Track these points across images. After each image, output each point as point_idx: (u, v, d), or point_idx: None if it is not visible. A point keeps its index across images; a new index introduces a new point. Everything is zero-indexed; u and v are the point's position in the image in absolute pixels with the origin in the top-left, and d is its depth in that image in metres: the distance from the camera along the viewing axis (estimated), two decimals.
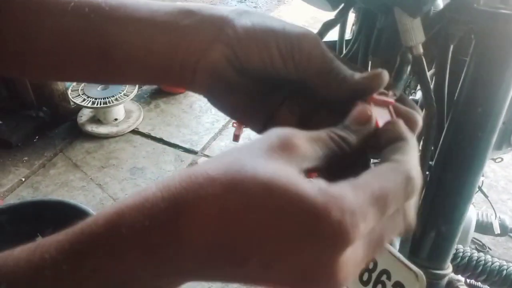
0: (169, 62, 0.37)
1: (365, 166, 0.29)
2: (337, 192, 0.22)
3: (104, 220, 0.24)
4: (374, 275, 0.50)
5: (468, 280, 1.11)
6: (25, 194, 2.09)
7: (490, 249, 2.04)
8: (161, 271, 0.24)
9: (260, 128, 0.38)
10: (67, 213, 1.73)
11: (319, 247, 0.22)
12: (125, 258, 0.23)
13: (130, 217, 0.23)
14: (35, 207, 1.80)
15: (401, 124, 0.29)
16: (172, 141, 2.47)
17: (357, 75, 0.32)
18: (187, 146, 2.44)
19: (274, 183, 0.22)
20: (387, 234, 0.25)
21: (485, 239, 2.05)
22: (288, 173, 0.23)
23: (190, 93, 2.89)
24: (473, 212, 1.22)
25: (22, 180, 2.16)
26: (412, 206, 0.27)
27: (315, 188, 0.22)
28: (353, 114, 0.29)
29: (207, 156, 2.39)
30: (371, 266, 0.51)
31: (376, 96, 0.31)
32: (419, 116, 0.32)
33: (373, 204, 0.23)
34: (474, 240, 2.06)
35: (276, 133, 0.25)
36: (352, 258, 0.23)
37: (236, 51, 0.34)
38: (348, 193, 0.22)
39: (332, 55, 0.32)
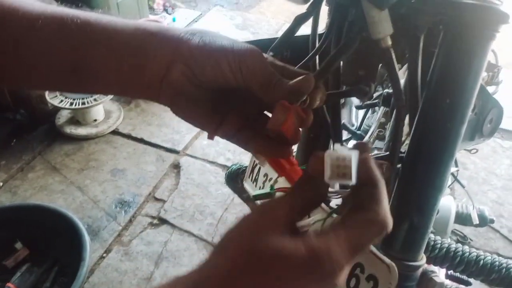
0: (137, 81, 0.42)
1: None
2: (324, 247, 0.31)
3: None
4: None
5: (449, 272, 1.12)
6: (3, 199, 2.05)
7: (472, 240, 2.07)
8: None
9: (214, 131, 0.45)
10: (46, 217, 1.70)
11: (322, 283, 0.31)
12: None
13: None
14: (14, 212, 1.77)
15: (374, 169, 0.35)
16: (153, 141, 2.44)
17: (290, 82, 0.40)
18: (168, 145, 2.42)
19: (279, 253, 0.31)
20: (369, 241, 0.33)
21: (467, 230, 2.08)
22: (284, 243, 0.31)
23: None
24: (453, 203, 1.23)
25: (0, 184, 2.12)
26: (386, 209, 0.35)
27: (305, 248, 0.31)
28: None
29: (189, 155, 2.37)
30: None
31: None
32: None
33: (352, 252, 0.31)
34: (456, 231, 2.09)
35: (262, 208, 0.35)
36: (342, 275, 0.32)
37: (193, 68, 0.40)
38: (332, 246, 0.31)
39: (271, 69, 0.40)
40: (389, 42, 0.48)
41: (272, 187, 0.53)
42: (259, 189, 0.76)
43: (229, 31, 3.67)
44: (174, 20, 3.65)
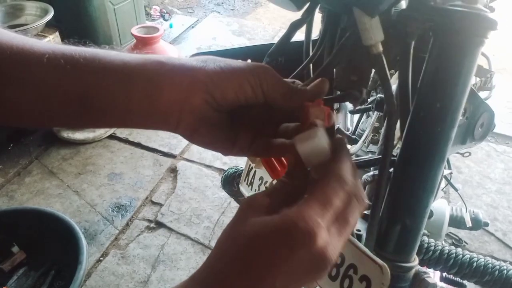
0: (151, 111, 0.42)
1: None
2: (293, 211, 0.33)
3: None
4: (341, 270, 0.51)
5: (443, 274, 1.13)
6: (0, 203, 2.05)
7: (467, 243, 2.09)
8: None
9: (231, 150, 0.47)
10: (43, 221, 1.71)
11: (304, 248, 0.32)
12: None
13: None
14: (11, 216, 1.77)
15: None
16: (150, 145, 2.45)
17: (308, 87, 0.44)
18: (165, 150, 2.43)
19: (256, 231, 0.33)
20: (350, 215, 0.35)
21: (461, 233, 2.10)
22: (259, 220, 0.34)
23: None
24: (447, 207, 1.24)
25: None
26: (358, 190, 0.37)
27: (278, 217, 0.33)
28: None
29: (186, 159, 2.38)
30: (339, 261, 0.52)
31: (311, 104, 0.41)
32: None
33: (321, 206, 0.34)
34: (451, 235, 2.10)
35: (242, 205, 0.37)
36: (326, 243, 0.33)
37: (213, 93, 0.41)
38: (301, 208, 0.33)
39: (284, 79, 0.43)
40: (380, 48, 0.49)
41: (266, 189, 0.55)
42: (255, 192, 0.77)
43: (225, 37, 3.69)
44: (171, 26, 3.66)
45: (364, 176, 0.65)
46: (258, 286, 0.32)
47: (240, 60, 0.44)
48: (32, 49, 0.40)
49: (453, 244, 2.05)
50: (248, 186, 0.79)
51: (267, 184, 0.73)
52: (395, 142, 0.64)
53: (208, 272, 0.33)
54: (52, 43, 0.42)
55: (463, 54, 0.48)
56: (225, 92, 0.41)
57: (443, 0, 0.50)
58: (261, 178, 0.76)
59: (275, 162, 0.51)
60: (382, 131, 1.01)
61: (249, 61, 0.73)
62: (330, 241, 0.33)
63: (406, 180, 0.52)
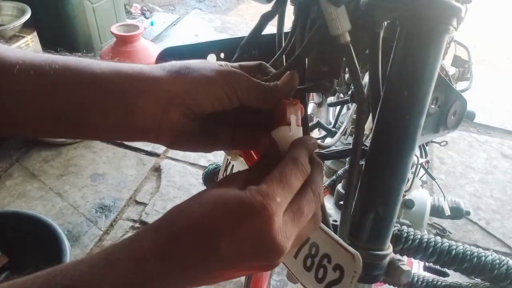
0: (128, 127, 0.42)
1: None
2: (254, 186, 0.35)
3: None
4: (316, 260, 0.51)
5: (426, 264, 1.14)
6: None
7: (451, 233, 2.12)
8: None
9: (211, 150, 0.48)
10: (24, 224, 1.68)
11: (255, 222, 0.33)
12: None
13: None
14: None
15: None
16: (133, 144, 2.43)
17: (278, 84, 0.45)
18: (148, 149, 2.41)
19: (219, 197, 0.35)
20: (307, 204, 0.37)
21: (445, 223, 2.13)
22: (227, 189, 0.36)
23: None
24: (428, 197, 1.26)
25: None
26: (314, 178, 0.40)
27: (243, 191, 0.35)
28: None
29: (170, 158, 2.36)
30: (313, 252, 0.52)
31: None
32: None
33: (279, 185, 0.36)
34: (435, 225, 2.13)
35: (222, 178, 0.40)
36: (283, 230, 0.34)
37: (190, 106, 0.42)
38: (261, 185, 0.35)
39: (257, 80, 0.45)
40: (348, 38, 0.49)
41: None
42: None
43: (208, 34, 3.68)
44: (152, 24, 3.63)
45: (339, 172, 0.66)
46: (200, 247, 0.33)
47: (212, 64, 0.44)
48: (3, 58, 0.39)
49: (437, 234, 2.08)
50: None
51: None
52: (367, 132, 0.64)
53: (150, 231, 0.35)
54: (23, 50, 0.41)
55: (429, 41, 0.48)
56: (202, 104, 0.42)
57: None
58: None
59: (253, 152, 0.52)
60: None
61: (222, 55, 0.72)
62: (283, 228, 0.34)
63: (377, 168, 0.52)
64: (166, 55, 0.65)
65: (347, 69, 0.65)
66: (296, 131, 0.43)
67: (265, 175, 0.37)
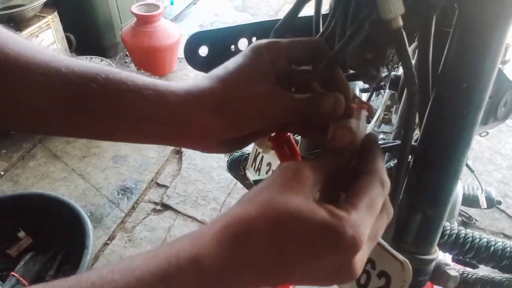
0: (176, 144, 0.45)
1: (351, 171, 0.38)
2: (344, 213, 0.31)
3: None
4: None
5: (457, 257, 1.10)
6: (5, 188, 2.03)
7: (477, 221, 2.06)
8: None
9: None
10: (48, 206, 1.69)
11: (341, 255, 0.31)
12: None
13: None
14: (16, 201, 1.76)
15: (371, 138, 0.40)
16: None
17: (322, 109, 0.40)
18: None
19: (301, 215, 0.31)
20: (380, 229, 0.35)
21: (472, 211, 2.07)
22: (308, 205, 0.31)
23: (173, 76, 2.82)
24: (460, 186, 1.20)
25: (1, 174, 2.10)
26: (388, 201, 0.37)
27: (327, 213, 0.31)
28: (334, 136, 0.39)
29: None
30: None
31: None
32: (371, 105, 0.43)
33: (369, 213, 0.33)
34: (461, 212, 2.07)
35: (288, 168, 0.34)
36: (361, 256, 0.33)
37: (224, 137, 0.42)
38: (352, 212, 0.31)
39: (295, 101, 0.41)
40: (401, 23, 0.44)
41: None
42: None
43: (228, 13, 3.60)
44: (172, 3, 3.58)
45: None
46: (278, 268, 0.31)
47: (243, 89, 0.41)
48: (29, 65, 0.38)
49: (463, 221, 2.02)
50: (256, 172, 0.76)
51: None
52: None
53: (225, 246, 0.31)
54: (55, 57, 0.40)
55: (492, 28, 0.43)
56: (239, 134, 0.42)
57: None
58: (269, 164, 0.72)
59: (286, 147, 0.48)
60: (394, 110, 0.96)
61: (254, 39, 0.68)
62: (362, 254, 0.33)
63: (427, 167, 0.48)
64: (195, 41, 0.61)
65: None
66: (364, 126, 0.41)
67: (331, 173, 0.36)
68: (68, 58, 0.40)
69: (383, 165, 0.37)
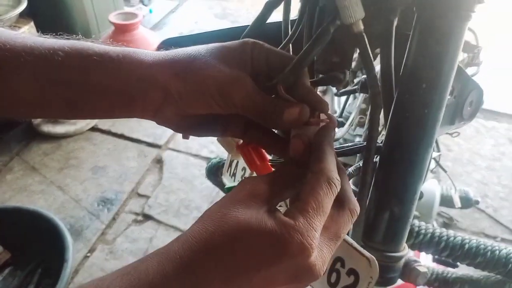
0: (130, 114, 0.45)
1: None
2: (291, 221, 0.32)
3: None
4: (329, 264, 0.48)
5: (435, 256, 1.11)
6: None
7: (458, 221, 2.09)
8: None
9: (222, 134, 0.48)
10: (26, 220, 1.66)
11: (293, 260, 0.32)
12: None
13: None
14: None
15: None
16: (134, 136, 2.40)
17: (285, 116, 0.40)
18: (150, 140, 2.38)
19: (249, 227, 0.32)
20: (343, 227, 0.36)
21: (453, 212, 2.10)
22: (257, 217, 0.33)
23: None
24: (437, 187, 1.22)
25: None
26: (349, 194, 0.38)
27: (276, 222, 0.32)
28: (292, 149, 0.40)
29: (172, 149, 2.33)
30: None
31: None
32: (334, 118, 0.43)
33: (317, 216, 0.33)
34: (442, 213, 2.10)
35: (245, 184, 0.36)
36: (320, 256, 0.33)
37: (184, 108, 0.42)
38: (298, 218, 0.33)
39: (259, 97, 0.40)
40: (361, 27, 0.45)
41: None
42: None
43: (208, 20, 3.61)
44: (150, 11, 3.57)
45: (350, 169, 0.62)
46: (232, 280, 0.32)
47: (213, 64, 0.41)
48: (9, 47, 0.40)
49: (444, 223, 2.05)
50: (231, 177, 0.76)
51: (248, 175, 0.70)
52: (379, 129, 0.61)
53: (182, 259, 0.32)
54: (29, 37, 0.43)
55: (450, 30, 0.45)
56: (196, 109, 0.42)
57: None
58: (243, 169, 0.73)
59: (253, 155, 0.49)
60: (368, 115, 0.98)
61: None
62: (319, 255, 0.33)
63: (393, 166, 0.49)
64: (166, 47, 0.61)
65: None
66: None
67: (290, 184, 0.37)
68: (35, 37, 0.42)
69: (331, 163, 0.37)
